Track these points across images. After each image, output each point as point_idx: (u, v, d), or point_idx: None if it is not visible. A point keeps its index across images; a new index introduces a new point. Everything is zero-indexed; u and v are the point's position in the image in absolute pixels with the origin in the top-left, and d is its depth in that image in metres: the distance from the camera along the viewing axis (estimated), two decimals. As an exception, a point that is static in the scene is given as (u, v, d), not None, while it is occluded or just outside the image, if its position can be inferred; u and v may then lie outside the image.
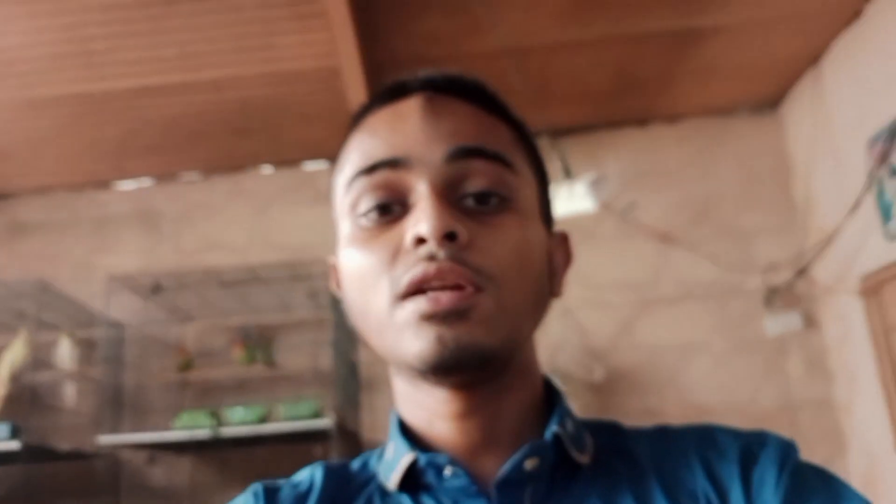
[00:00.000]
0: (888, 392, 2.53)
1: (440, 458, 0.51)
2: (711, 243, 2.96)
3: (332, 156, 0.59)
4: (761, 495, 0.51)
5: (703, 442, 0.55)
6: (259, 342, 2.69)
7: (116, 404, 2.55)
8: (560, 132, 3.03)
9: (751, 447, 0.53)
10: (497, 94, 0.57)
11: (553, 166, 2.28)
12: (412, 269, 0.47)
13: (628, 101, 2.95)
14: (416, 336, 0.47)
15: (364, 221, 0.52)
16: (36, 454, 2.29)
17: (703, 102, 3.06)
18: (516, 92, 2.72)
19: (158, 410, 2.65)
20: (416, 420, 0.55)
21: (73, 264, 3.06)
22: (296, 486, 0.56)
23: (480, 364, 0.48)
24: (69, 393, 2.55)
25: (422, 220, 0.47)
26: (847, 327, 2.75)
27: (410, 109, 0.53)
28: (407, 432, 0.55)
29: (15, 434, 2.21)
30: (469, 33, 2.36)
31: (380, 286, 0.49)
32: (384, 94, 0.55)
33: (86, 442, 2.52)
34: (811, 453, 2.15)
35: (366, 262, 0.50)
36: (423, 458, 0.52)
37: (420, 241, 0.48)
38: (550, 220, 0.60)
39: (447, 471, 0.51)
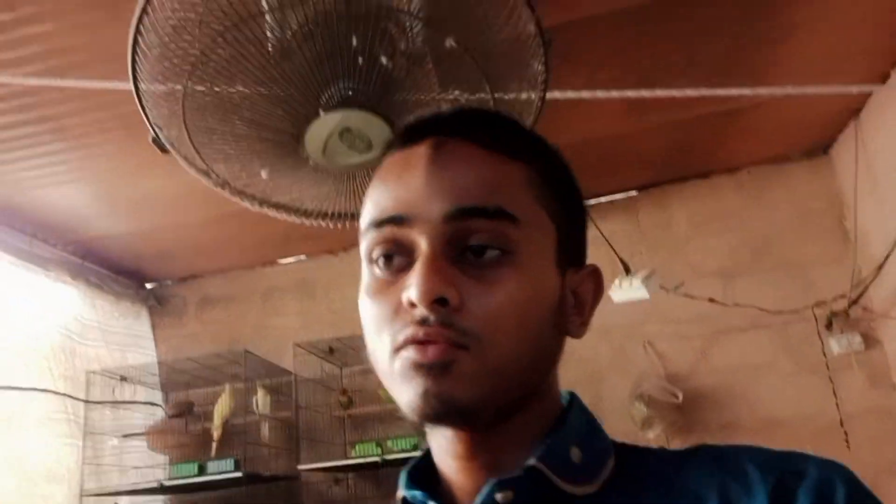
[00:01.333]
0: (940, 401, 2.95)
1: (418, 496, 0.56)
2: (773, 276, 3.45)
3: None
4: None
5: (727, 470, 0.50)
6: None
7: (298, 437, 3.33)
8: (631, 189, 3.62)
9: (785, 483, 0.47)
10: (513, 129, 0.58)
11: (614, 264, 2.85)
12: (406, 328, 0.51)
13: (688, 160, 3.49)
14: (408, 387, 0.51)
15: (376, 270, 0.55)
16: (251, 479, 3.09)
17: (758, 153, 3.54)
18: (587, 166, 3.34)
19: (328, 441, 3.43)
20: (436, 456, 0.59)
21: (250, 326, 3.90)
22: None
23: (462, 419, 0.51)
24: (264, 431, 3.35)
25: (412, 286, 0.50)
26: (902, 345, 3.17)
27: (417, 160, 0.54)
28: (429, 467, 0.59)
29: (237, 466, 3.02)
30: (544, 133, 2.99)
31: (383, 337, 0.53)
32: (400, 135, 0.58)
33: (278, 467, 3.33)
34: (883, 455, 2.75)
35: (373, 313, 0.54)
36: (411, 497, 0.57)
37: (413, 304, 0.50)
38: (578, 256, 0.60)
39: None
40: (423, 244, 0.52)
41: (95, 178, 2.87)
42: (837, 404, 3.25)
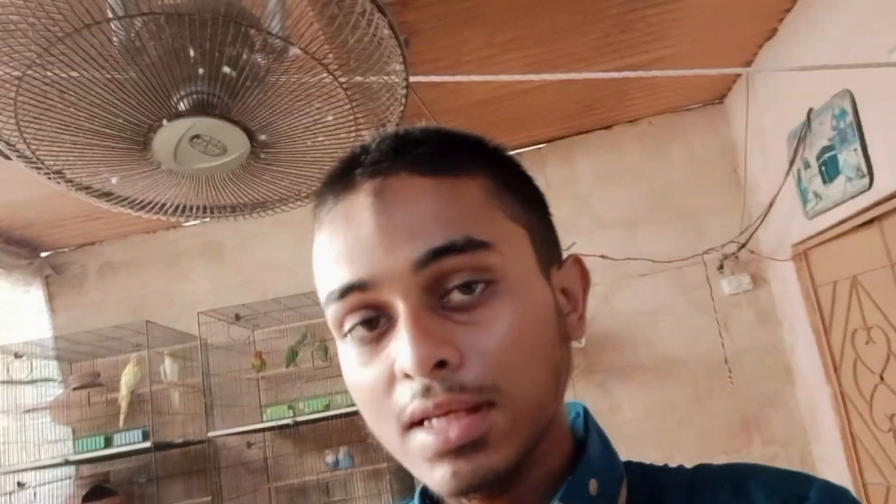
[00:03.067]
0: (817, 335, 3.19)
1: None
2: (671, 224, 3.59)
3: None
4: None
5: (736, 495, 0.50)
6: (314, 343, 3.42)
7: (209, 403, 3.32)
8: (539, 143, 3.67)
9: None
10: (452, 141, 0.51)
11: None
12: (410, 404, 0.45)
13: (592, 113, 3.54)
14: (432, 470, 0.45)
15: (352, 343, 0.48)
16: (160, 447, 3.07)
17: (658, 104, 3.63)
18: (495, 124, 3.35)
19: (243, 404, 3.43)
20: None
21: (156, 293, 3.80)
22: None
23: (500, 483, 0.46)
24: (175, 398, 3.31)
25: (402, 354, 0.44)
26: (786, 285, 3.38)
27: (360, 212, 0.47)
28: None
29: (146, 436, 2.99)
30: (446, 96, 2.97)
31: (384, 415, 0.47)
32: (332, 186, 0.51)
33: (190, 434, 3.32)
34: (766, 388, 2.99)
35: (364, 387, 0.48)
36: None
37: (408, 375, 0.44)
38: (556, 251, 0.54)
39: None
40: (398, 304, 0.45)
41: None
42: (723, 343, 3.47)
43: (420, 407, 0.44)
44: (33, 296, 3.67)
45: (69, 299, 3.81)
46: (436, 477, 0.45)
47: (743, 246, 3.49)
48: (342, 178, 0.50)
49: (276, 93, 0.95)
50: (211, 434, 3.12)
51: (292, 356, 3.33)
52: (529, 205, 0.52)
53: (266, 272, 3.73)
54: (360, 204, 0.48)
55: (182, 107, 0.94)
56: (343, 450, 3.24)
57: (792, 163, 3.06)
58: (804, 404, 3.40)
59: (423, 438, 0.45)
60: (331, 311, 0.49)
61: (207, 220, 1.17)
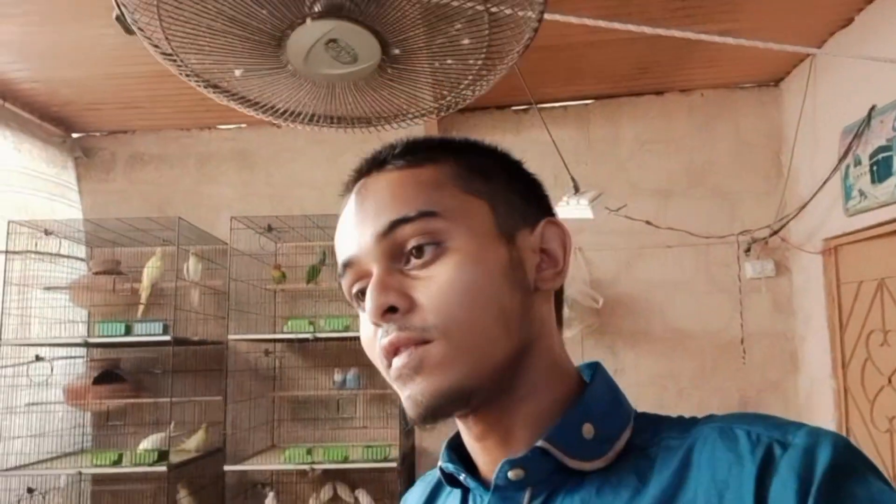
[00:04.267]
0: (832, 331, 3.23)
1: (451, 468, 0.62)
2: (706, 201, 3.59)
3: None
4: None
5: (723, 439, 0.52)
6: (332, 265, 3.44)
7: (228, 307, 3.36)
8: (586, 98, 3.62)
9: (771, 453, 0.49)
10: (420, 143, 0.62)
11: (563, 176, 2.90)
12: (379, 344, 0.56)
13: (645, 78, 3.48)
14: (402, 397, 0.57)
15: (359, 308, 0.61)
16: (179, 342, 3.12)
17: (714, 78, 3.57)
18: (548, 72, 3.30)
19: (258, 313, 3.46)
20: (461, 436, 0.64)
21: (183, 191, 3.78)
22: (426, 478, 0.73)
23: (456, 404, 0.55)
24: (194, 297, 3.34)
25: (366, 306, 0.56)
26: (809, 277, 3.41)
27: (349, 205, 0.61)
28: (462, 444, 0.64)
29: (165, 330, 3.03)
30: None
31: (378, 359, 0.58)
32: (344, 191, 0.64)
33: (206, 333, 3.36)
34: (769, 373, 3.02)
35: (366, 340, 0.60)
36: (446, 468, 0.64)
37: (375, 322, 0.56)
38: (530, 215, 0.62)
39: (461, 476, 0.62)
40: (374, 269, 0.57)
41: (24, 17, 2.62)
42: (742, 324, 3.51)
43: (381, 344, 0.56)
44: (69, 174, 3.66)
45: (95, 184, 3.79)
46: (405, 401, 0.56)
47: (775, 233, 3.50)
48: (348, 183, 0.63)
49: (421, 7, 0.93)
50: (231, 337, 3.17)
51: (313, 273, 3.35)
52: (495, 181, 0.61)
53: (295, 188, 3.72)
54: (349, 201, 0.61)
55: (317, 9, 0.92)
56: (352, 371, 3.30)
57: (843, 157, 3.04)
58: (804, 394, 3.47)
59: (390, 370, 0.56)
60: (343, 287, 0.61)
61: (309, 128, 1.16)
